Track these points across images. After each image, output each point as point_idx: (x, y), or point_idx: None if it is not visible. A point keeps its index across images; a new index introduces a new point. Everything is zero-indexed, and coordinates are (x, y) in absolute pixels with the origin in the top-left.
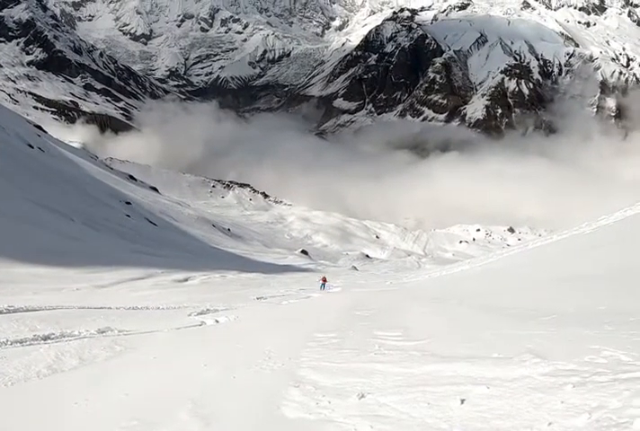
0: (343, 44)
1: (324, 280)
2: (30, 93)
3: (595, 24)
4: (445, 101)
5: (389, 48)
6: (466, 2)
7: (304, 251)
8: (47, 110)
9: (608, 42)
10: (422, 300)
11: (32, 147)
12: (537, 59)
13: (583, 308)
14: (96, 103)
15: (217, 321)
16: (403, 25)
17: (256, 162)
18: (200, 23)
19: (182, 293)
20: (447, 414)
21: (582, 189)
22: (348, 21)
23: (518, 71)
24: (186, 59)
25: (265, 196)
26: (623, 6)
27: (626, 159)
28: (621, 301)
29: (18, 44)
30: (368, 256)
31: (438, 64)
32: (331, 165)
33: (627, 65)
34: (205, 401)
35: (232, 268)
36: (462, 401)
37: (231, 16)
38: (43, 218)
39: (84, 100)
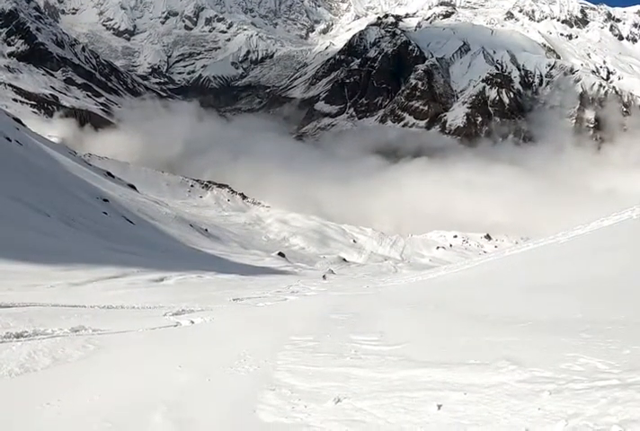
0: (327, 47)
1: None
2: (9, 85)
3: (577, 37)
4: (426, 108)
5: (372, 53)
6: (450, 10)
7: (281, 254)
8: (26, 103)
9: (589, 55)
10: (399, 305)
11: (10, 140)
12: (519, 69)
13: (559, 316)
14: (77, 98)
15: (192, 322)
16: (387, 31)
17: (232, 161)
18: (184, 21)
19: (157, 292)
20: (423, 420)
21: (552, 198)
22: (332, 24)
23: (499, 80)
24: (169, 57)
25: (243, 197)
26: (605, 20)
27: (597, 171)
28: (598, 309)
29: None
30: (345, 260)
31: (420, 70)
32: (303, 167)
33: (607, 78)
34: (179, 404)
35: (209, 269)
36: (439, 407)
37: (215, 15)
38: (18, 213)
39: (65, 94)
